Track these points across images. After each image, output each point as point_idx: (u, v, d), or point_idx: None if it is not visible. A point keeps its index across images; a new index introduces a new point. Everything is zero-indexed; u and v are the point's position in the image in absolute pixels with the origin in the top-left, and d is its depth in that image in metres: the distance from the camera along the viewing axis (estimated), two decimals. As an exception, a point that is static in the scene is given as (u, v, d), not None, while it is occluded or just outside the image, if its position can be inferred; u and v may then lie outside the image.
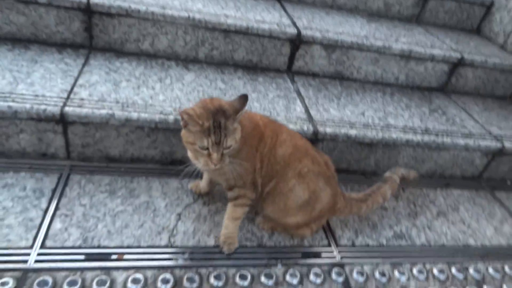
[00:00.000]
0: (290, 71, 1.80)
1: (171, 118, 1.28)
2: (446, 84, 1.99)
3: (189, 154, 1.05)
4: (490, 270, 1.29)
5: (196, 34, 1.62)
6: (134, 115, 1.25)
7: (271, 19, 1.75)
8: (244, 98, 0.99)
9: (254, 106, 1.47)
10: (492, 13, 2.28)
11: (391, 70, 1.89)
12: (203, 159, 0.97)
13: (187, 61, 1.67)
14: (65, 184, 1.22)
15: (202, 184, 1.29)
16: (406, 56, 1.84)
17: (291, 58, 1.77)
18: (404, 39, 1.93)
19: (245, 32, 1.64)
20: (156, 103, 1.33)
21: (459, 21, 2.34)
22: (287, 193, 1.10)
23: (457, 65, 1.93)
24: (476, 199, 1.64)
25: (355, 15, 2.13)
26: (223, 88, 1.54)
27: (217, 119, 0.93)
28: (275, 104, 1.52)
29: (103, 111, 1.23)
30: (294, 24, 1.76)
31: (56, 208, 1.13)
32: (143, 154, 1.37)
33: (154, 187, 1.29)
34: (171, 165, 1.40)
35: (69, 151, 1.30)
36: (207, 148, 0.94)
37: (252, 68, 1.75)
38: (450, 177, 1.72)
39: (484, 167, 1.72)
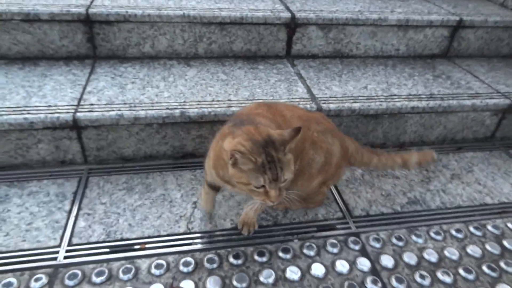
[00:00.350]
0: (289, 55, 1.82)
1: (177, 112, 1.33)
2: (448, 49, 1.98)
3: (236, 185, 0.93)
4: (509, 224, 1.29)
5: (193, 30, 1.66)
6: (142, 113, 1.31)
7: (264, 7, 1.78)
8: (297, 131, 0.86)
9: (256, 91, 1.50)
10: (489, -28, 2.24)
11: (390, 42, 1.89)
12: (260, 197, 0.88)
13: (188, 58, 1.72)
14: (85, 187, 1.28)
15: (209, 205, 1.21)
16: (404, 26, 1.84)
17: (289, 42, 1.79)
18: (399, 9, 1.92)
19: (240, 22, 1.67)
20: (161, 100, 1.39)
21: (456, -16, 2.31)
22: (310, 164, 1.09)
23: (457, 28, 1.91)
24: (491, 159, 1.62)
25: (349, -7, 2.13)
26: (225, 79, 1.58)
27: (268, 153, 0.84)
28: (277, 88, 1.55)
29: (112, 113, 1.29)
30: (288, 8, 1.79)
31: (79, 209, 1.19)
32: (155, 151, 1.42)
33: (168, 181, 1.34)
34: (183, 159, 1.45)
35: (85, 155, 1.37)
36: (264, 186, 0.86)
37: (251, 57, 1.78)
38: (462, 141, 1.71)
39: (495, 126, 1.70)
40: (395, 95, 1.58)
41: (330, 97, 1.51)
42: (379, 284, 1.04)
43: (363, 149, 1.23)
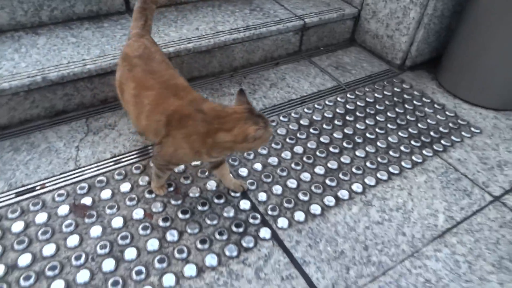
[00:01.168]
0: (129, 10, 2.09)
1: (38, 78, 1.57)
2: (261, -15, 2.46)
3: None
4: (305, 109, 1.92)
5: (31, 0, 1.81)
6: (6, 85, 1.52)
7: (95, -32, 1.97)
8: (242, 92, 1.18)
9: (106, 48, 1.79)
10: None
11: (214, -15, 2.28)
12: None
13: (34, 27, 1.87)
14: (-27, 157, 1.49)
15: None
16: (220, -29, 2.23)
17: (127, -2, 2.05)
18: (215, -45, 2.29)
19: (75, -13, 1.87)
20: (21, 71, 1.59)
21: None
22: None
23: (263, -33, 2.38)
24: (298, 67, 2.24)
25: None
26: (75, 42, 1.81)
27: (263, 119, 1.14)
28: (123, 42, 1.85)
29: (-23, 90, 1.47)
30: (117, -33, 2.01)
31: (-25, 175, 1.43)
32: (29, 115, 1.66)
33: (49, 136, 1.62)
34: (57, 116, 1.72)
35: (-38, 132, 1.54)
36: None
37: (96, 17, 2.01)
38: (278, 57, 2.28)
39: (299, 42, 2.30)
40: (220, 31, 2.02)
41: (169, 42, 1.89)
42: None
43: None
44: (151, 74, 1.25)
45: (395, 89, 2.10)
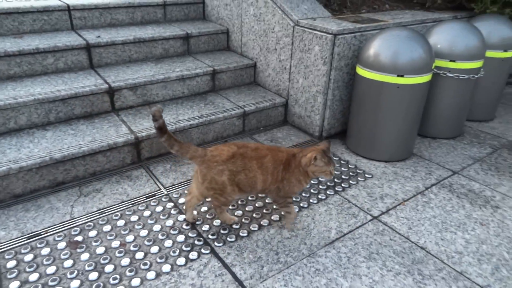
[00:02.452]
0: (115, 109, 2.86)
1: (47, 158, 2.22)
2: (214, 86, 3.32)
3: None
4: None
5: (43, 107, 2.55)
6: (24, 164, 2.16)
7: (90, 83, 2.78)
8: (328, 142, 1.84)
9: (96, 136, 2.49)
10: (230, 37, 3.73)
11: (177, 89, 3.11)
12: (327, 176, 1.79)
13: (44, 125, 2.59)
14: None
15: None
16: (181, 79, 3.09)
17: (112, 102, 2.83)
18: (178, 69, 3.18)
19: (75, 97, 2.64)
20: (34, 154, 2.25)
21: (214, 45, 3.73)
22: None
23: (214, 74, 3.26)
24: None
25: (147, 62, 3.30)
26: (73, 133, 2.51)
27: (327, 155, 1.77)
28: (109, 131, 2.56)
29: (5, 168, 2.10)
30: (106, 81, 2.83)
31: None
32: (37, 186, 2.26)
33: (51, 199, 2.20)
34: (57, 186, 2.32)
35: (-12, 200, 2.12)
36: (330, 170, 1.78)
37: (89, 116, 2.75)
38: (227, 136, 3.01)
39: (242, 124, 3.07)
40: (180, 120, 2.78)
41: (142, 129, 2.61)
42: (178, 211, 2.16)
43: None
44: (256, 150, 1.86)
45: (314, 152, 2.82)
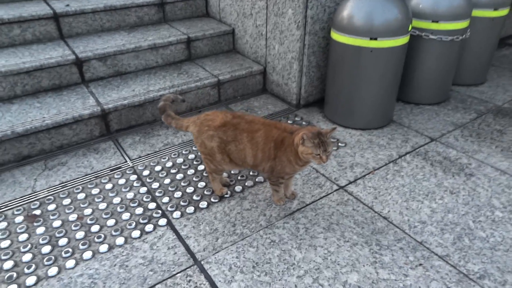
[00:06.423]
0: (84, 81, 2.79)
1: (9, 132, 2.18)
2: (190, 55, 3.20)
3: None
4: (215, 141, 2.52)
5: (7, 80, 2.49)
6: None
7: (56, 54, 2.70)
8: (332, 129, 1.59)
9: (62, 108, 2.44)
10: (209, 2, 3.56)
11: (150, 58, 3.01)
12: (316, 161, 1.58)
13: (10, 98, 2.54)
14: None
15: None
16: (154, 48, 2.98)
17: (81, 73, 2.75)
18: (150, 37, 3.06)
19: (40, 69, 2.57)
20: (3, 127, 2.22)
21: (192, 12, 3.58)
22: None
23: (188, 42, 3.14)
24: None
25: (120, 31, 3.18)
26: (39, 106, 2.46)
27: (320, 138, 1.55)
28: (75, 103, 2.50)
29: (-37, 143, 2.08)
30: (73, 52, 2.74)
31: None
32: (1, 160, 2.24)
33: (15, 173, 2.19)
34: (23, 160, 2.30)
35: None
36: (319, 154, 1.56)
37: (58, 89, 2.69)
38: (202, 106, 2.93)
39: (218, 94, 2.98)
40: (151, 90, 2.70)
41: (110, 100, 2.54)
42: (141, 183, 2.13)
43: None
44: (250, 123, 1.76)
45: (289, 121, 2.73)
